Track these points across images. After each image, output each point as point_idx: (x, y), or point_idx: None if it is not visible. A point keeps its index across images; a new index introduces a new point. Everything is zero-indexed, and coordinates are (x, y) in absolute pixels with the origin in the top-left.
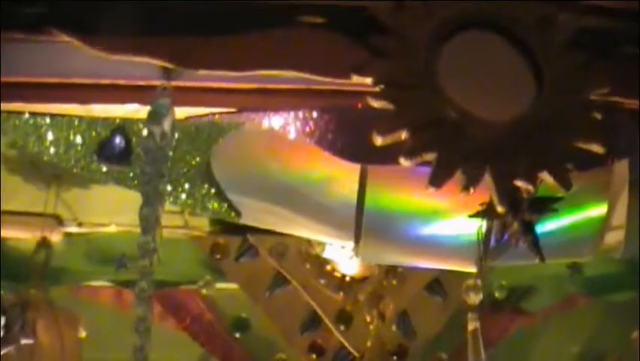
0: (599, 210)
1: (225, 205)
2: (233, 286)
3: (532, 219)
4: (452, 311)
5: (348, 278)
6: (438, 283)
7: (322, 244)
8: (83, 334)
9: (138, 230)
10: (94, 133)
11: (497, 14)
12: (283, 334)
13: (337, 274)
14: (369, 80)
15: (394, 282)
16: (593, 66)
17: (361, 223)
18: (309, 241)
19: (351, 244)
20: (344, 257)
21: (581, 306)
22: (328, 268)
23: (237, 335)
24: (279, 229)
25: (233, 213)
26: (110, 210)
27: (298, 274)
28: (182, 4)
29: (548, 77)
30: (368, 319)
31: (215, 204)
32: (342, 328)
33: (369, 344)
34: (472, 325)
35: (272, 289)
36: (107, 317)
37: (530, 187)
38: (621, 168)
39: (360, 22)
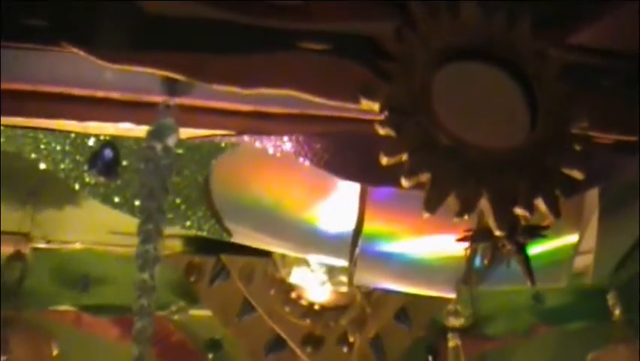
0: (572, 237)
1: (218, 226)
2: (206, 312)
3: (525, 241)
4: (416, 336)
5: (317, 306)
6: (404, 311)
7: (288, 267)
8: (55, 351)
9: (102, 248)
10: (88, 145)
11: (493, 45)
12: (250, 355)
13: (303, 303)
14: (376, 106)
15: (369, 310)
16: (576, 100)
17: (356, 248)
18: (274, 264)
19: (333, 265)
20: (314, 283)
21: (542, 333)
22: (293, 295)
23: (210, 356)
24: (271, 249)
25: (225, 234)
26: (78, 229)
27: (264, 300)
28: (185, 21)
29: (542, 107)
30: (351, 339)
31: (211, 225)
32: (308, 350)
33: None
34: (453, 342)
35: (241, 316)
36: (69, 339)
37: (528, 214)
38: (591, 196)
39: (361, 49)
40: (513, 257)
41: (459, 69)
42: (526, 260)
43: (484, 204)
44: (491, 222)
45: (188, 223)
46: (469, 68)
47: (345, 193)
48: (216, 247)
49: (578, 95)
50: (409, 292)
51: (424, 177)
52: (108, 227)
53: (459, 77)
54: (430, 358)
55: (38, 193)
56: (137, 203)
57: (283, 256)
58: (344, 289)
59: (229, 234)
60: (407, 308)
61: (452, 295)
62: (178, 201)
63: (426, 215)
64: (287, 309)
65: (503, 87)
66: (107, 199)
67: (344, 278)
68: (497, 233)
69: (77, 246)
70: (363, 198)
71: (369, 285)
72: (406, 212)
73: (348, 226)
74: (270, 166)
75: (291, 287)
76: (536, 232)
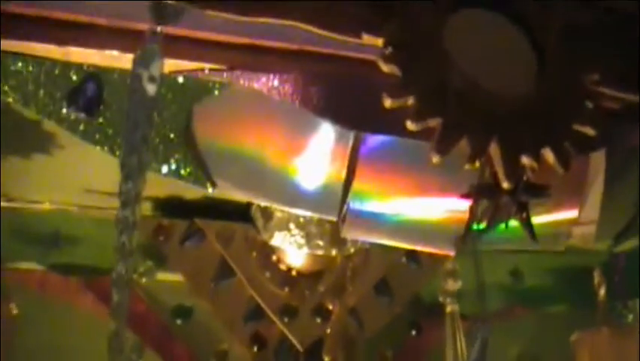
0: (572, 212)
1: (200, 173)
2: (175, 277)
3: (527, 200)
4: (398, 311)
5: (294, 272)
6: (386, 283)
7: (270, 231)
8: (15, 311)
9: (74, 209)
10: (66, 78)
11: None
12: (226, 324)
13: (282, 267)
14: (379, 41)
15: (349, 273)
16: (585, 56)
17: (345, 205)
18: (256, 228)
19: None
20: (292, 245)
21: (519, 315)
22: (274, 258)
23: (179, 322)
24: (255, 201)
25: (208, 183)
26: (48, 187)
27: (244, 264)
28: None
29: (549, 59)
30: (330, 306)
31: (190, 170)
32: (285, 320)
33: (328, 330)
34: (450, 308)
35: (217, 281)
36: (32, 301)
37: (535, 164)
38: (595, 167)
39: None
40: (514, 216)
41: (469, 15)
42: (527, 219)
43: (493, 151)
44: (500, 171)
45: (164, 169)
46: (479, 15)
47: (334, 147)
48: (189, 211)
49: (586, 51)
50: (404, 247)
51: (434, 122)
52: (83, 185)
53: (469, 22)
54: (414, 332)
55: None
56: (119, 140)
57: (266, 222)
58: (320, 251)
59: (213, 184)
60: (388, 280)
61: (452, 253)
62: (157, 140)
63: (435, 158)
64: (267, 274)
65: (512, 37)
66: (86, 136)
67: (321, 242)
68: (504, 185)
69: (46, 206)
70: (353, 154)
71: (358, 239)
72: (398, 172)
73: (336, 180)
74: (257, 114)
75: (272, 250)
76: (539, 190)
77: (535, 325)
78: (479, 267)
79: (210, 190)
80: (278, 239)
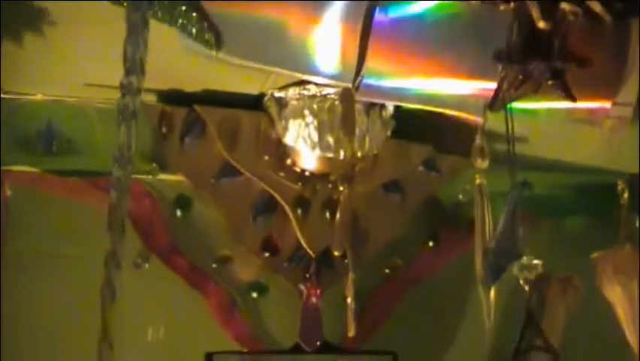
0: (605, 104)
1: (208, 33)
2: (178, 177)
3: (562, 67)
4: (409, 215)
5: (307, 173)
6: (397, 183)
7: (284, 120)
8: (8, 192)
9: (68, 100)
10: None
11: None
12: (231, 225)
13: (297, 169)
14: None
15: (357, 170)
16: None
17: (359, 76)
18: (269, 119)
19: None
20: (307, 143)
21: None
22: (288, 162)
23: (179, 213)
24: (267, 66)
25: (214, 41)
26: (42, 78)
27: (252, 166)
28: None
29: None
30: (340, 196)
31: (196, 28)
32: (299, 213)
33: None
34: (479, 180)
35: (218, 177)
36: (27, 199)
37: (578, 9)
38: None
39: None
40: (549, 80)
41: None
42: (564, 83)
43: None
44: (534, 11)
45: (175, 25)
46: None
47: (350, 17)
48: (192, 99)
49: None
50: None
51: None
52: (83, 77)
53: None
54: (431, 243)
55: None
56: None
57: (280, 110)
58: (330, 154)
59: (219, 44)
60: (400, 180)
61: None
62: None
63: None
64: (282, 174)
65: None
66: None
67: (331, 138)
68: (541, 25)
69: (39, 98)
70: (366, 24)
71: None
72: (419, 51)
73: (351, 52)
74: None
75: (286, 152)
76: (577, 57)
77: (544, 238)
78: (510, 128)
79: (214, 53)
80: (292, 131)
